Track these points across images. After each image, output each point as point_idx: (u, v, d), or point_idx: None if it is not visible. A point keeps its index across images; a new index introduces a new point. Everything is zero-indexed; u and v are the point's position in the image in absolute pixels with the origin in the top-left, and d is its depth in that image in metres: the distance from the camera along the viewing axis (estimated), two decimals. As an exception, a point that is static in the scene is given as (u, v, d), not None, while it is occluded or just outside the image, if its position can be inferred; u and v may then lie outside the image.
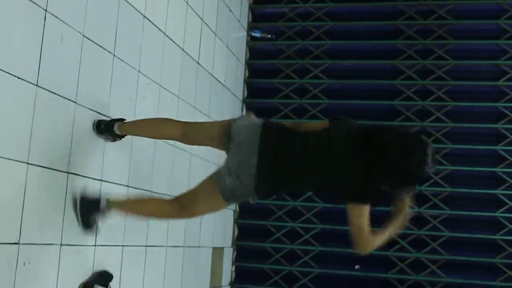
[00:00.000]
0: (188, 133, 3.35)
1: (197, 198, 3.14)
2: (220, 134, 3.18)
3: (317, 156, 3.00)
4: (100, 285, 3.26)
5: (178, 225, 4.65)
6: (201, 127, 3.43)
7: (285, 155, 3.01)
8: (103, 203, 3.15)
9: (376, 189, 2.99)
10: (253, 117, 3.28)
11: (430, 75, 5.90)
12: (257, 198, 3.10)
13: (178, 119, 3.48)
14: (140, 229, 3.99)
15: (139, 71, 3.91)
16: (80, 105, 3.20)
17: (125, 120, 3.45)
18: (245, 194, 3.03)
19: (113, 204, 3.17)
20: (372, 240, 3.08)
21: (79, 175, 3.20)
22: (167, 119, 3.49)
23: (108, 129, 3.37)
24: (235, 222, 6.07)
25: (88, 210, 3.13)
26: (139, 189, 3.93)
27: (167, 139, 3.49)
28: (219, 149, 3.26)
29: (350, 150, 2.99)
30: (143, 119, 3.57)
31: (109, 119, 3.44)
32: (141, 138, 3.72)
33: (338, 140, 3.02)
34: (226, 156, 3.13)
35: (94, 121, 3.37)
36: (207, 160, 4.93)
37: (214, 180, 3.06)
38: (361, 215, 3.01)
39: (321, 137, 3.06)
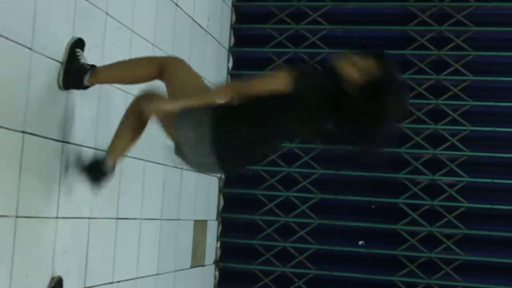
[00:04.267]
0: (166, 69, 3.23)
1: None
2: None
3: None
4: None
5: (154, 195, 4.60)
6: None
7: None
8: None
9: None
10: None
11: (448, 19, 5.83)
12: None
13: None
14: (110, 199, 3.93)
15: (106, 13, 3.82)
16: (37, 52, 3.11)
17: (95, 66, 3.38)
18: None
19: None
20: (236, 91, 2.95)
21: (36, 135, 3.13)
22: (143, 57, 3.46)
23: (77, 82, 3.32)
24: (220, 191, 6.04)
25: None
26: (108, 152, 3.86)
27: (143, 81, 3.37)
28: None
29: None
30: (111, 64, 3.50)
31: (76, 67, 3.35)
32: (111, 88, 3.67)
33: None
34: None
35: (59, 72, 3.29)
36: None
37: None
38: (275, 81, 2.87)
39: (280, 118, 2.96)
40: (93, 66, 3.37)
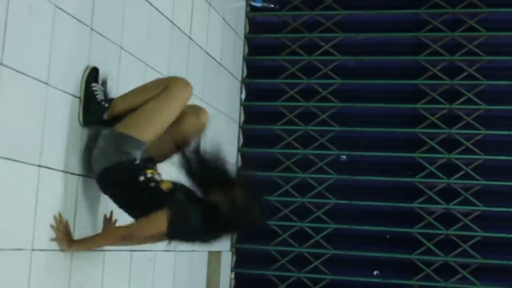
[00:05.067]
0: None
1: None
2: None
3: None
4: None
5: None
6: None
7: None
8: None
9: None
10: None
11: (460, 49, 5.85)
12: None
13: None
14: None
15: (121, 47, 3.86)
16: (53, 86, 3.15)
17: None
18: None
19: None
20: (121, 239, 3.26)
21: (52, 169, 3.16)
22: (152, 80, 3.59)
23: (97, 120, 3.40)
24: (234, 222, 6.03)
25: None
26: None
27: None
28: None
29: None
30: (125, 94, 3.55)
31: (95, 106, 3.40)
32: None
33: None
34: None
35: (79, 110, 3.35)
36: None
37: None
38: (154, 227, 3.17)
39: None
40: (110, 100, 3.42)
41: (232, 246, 6.01)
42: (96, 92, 3.38)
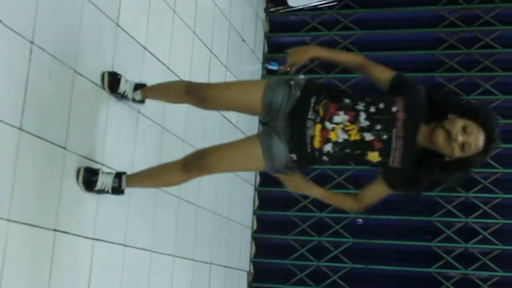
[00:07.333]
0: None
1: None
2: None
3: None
4: None
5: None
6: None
7: None
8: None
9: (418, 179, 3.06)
10: None
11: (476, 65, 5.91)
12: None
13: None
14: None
15: (138, 111, 3.91)
16: (70, 151, 3.19)
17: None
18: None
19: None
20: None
21: (67, 233, 3.17)
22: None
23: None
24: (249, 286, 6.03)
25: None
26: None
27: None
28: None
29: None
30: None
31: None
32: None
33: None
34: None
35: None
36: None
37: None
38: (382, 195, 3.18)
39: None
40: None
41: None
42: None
